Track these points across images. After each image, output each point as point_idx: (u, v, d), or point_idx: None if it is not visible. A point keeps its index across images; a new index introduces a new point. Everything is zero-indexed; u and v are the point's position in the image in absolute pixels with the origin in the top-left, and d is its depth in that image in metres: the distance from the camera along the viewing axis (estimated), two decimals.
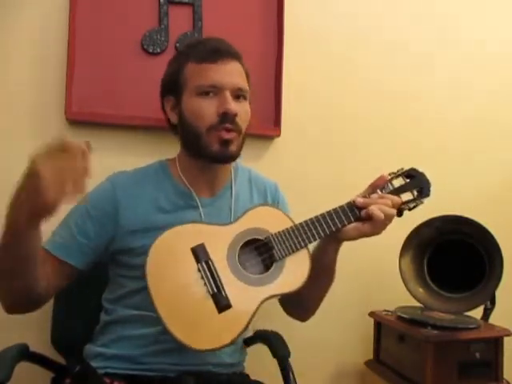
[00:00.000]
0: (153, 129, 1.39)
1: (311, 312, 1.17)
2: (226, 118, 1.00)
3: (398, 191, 1.06)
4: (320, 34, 1.56)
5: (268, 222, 1.00)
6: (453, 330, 1.30)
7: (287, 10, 1.48)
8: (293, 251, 0.98)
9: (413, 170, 1.09)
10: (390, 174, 1.07)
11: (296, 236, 0.99)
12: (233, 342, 0.91)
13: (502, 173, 1.72)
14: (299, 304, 1.15)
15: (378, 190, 1.04)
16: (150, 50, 1.39)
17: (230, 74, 1.02)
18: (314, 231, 1.00)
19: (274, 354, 1.11)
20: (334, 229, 1.00)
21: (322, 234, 1.00)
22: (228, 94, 1.01)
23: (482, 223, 1.33)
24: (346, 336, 1.56)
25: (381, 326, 1.47)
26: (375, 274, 1.54)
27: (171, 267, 0.93)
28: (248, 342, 1.18)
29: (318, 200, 1.54)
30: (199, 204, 1.07)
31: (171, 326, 0.88)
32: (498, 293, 1.37)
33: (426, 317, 1.35)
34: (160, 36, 1.39)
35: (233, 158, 1.05)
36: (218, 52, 1.02)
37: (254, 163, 1.37)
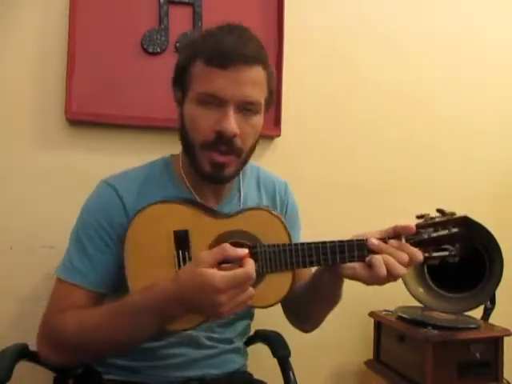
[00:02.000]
0: (153, 129, 1.39)
1: (314, 327, 1.11)
2: (222, 138, 0.87)
3: (432, 243, 0.86)
4: (320, 34, 1.56)
5: (263, 230, 0.90)
6: (453, 330, 1.30)
7: (287, 10, 1.48)
8: (276, 270, 0.87)
9: (466, 219, 0.86)
10: (438, 212, 0.87)
11: (286, 256, 0.87)
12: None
13: (502, 172, 1.72)
14: (301, 317, 1.10)
15: (403, 238, 0.86)
16: (150, 50, 1.38)
17: (239, 83, 0.86)
18: (307, 258, 0.87)
19: (275, 354, 1.11)
20: (330, 263, 0.87)
21: (315, 264, 0.89)
22: (230, 109, 0.86)
23: (482, 223, 1.33)
24: (346, 336, 1.56)
25: (381, 326, 1.47)
26: None
27: (151, 243, 0.88)
28: (248, 341, 1.18)
29: (319, 200, 1.55)
30: None
31: None
32: (498, 293, 1.37)
33: (426, 317, 1.35)
34: (160, 36, 1.39)
35: (227, 180, 0.96)
36: (229, 56, 0.85)
37: (255, 163, 1.37)
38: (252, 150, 0.95)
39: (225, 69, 0.85)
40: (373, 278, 0.84)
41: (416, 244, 0.85)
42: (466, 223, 0.85)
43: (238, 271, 0.77)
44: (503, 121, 1.73)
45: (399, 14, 1.63)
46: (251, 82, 0.88)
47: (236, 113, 0.87)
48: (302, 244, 0.88)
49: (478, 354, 1.29)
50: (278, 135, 1.49)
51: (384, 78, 1.61)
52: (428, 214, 0.87)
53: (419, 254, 0.83)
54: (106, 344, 0.86)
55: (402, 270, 0.82)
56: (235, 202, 1.03)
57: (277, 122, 1.48)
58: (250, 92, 0.87)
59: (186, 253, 0.87)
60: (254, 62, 0.87)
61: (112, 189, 0.95)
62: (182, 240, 0.87)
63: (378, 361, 1.47)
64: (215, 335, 1.00)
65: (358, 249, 0.86)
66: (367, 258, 0.84)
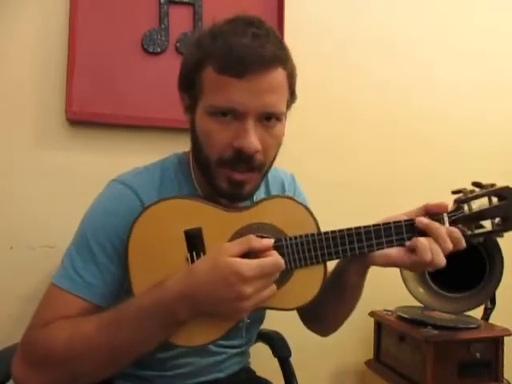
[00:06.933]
0: (153, 129, 1.39)
1: (332, 329, 1.04)
2: (241, 156, 0.77)
3: (475, 218, 0.80)
4: (320, 34, 1.56)
5: (287, 220, 0.81)
6: (453, 329, 1.30)
7: (287, 10, 1.48)
8: (306, 264, 0.79)
9: (508, 189, 0.80)
10: (473, 186, 0.82)
11: (316, 247, 0.79)
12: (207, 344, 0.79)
13: (501, 171, 1.72)
14: (318, 319, 1.02)
15: (445, 215, 0.80)
16: (150, 50, 1.39)
17: (258, 92, 0.75)
18: (339, 247, 0.79)
19: (275, 354, 1.11)
20: (366, 250, 0.80)
21: (349, 254, 0.80)
22: (249, 122, 0.76)
23: None
24: (346, 336, 1.55)
25: (381, 325, 1.47)
26: (375, 273, 1.53)
27: (159, 244, 0.77)
28: None
29: (319, 200, 1.54)
30: None
31: None
32: (498, 293, 1.37)
33: (426, 317, 1.36)
34: (160, 36, 1.39)
35: (247, 198, 0.84)
36: (244, 62, 0.74)
37: None
38: (274, 160, 0.86)
39: (241, 78, 0.74)
40: (414, 264, 0.78)
41: (458, 221, 0.80)
42: (507, 194, 0.80)
43: (267, 259, 0.71)
44: (504, 119, 1.73)
45: (400, 8, 1.64)
46: (271, 88, 0.76)
47: (256, 124, 0.77)
48: (334, 232, 0.80)
49: (478, 354, 1.29)
50: None
51: (385, 77, 1.62)
52: (465, 188, 0.82)
53: (463, 242, 0.78)
54: (100, 359, 0.74)
55: (443, 260, 0.77)
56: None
57: None
58: (270, 101, 0.77)
59: (202, 253, 0.75)
60: (272, 65, 0.76)
61: (131, 190, 0.84)
62: (194, 239, 0.75)
63: (378, 361, 1.47)
64: (223, 342, 0.93)
65: (396, 232, 0.79)
66: (408, 243, 0.79)
